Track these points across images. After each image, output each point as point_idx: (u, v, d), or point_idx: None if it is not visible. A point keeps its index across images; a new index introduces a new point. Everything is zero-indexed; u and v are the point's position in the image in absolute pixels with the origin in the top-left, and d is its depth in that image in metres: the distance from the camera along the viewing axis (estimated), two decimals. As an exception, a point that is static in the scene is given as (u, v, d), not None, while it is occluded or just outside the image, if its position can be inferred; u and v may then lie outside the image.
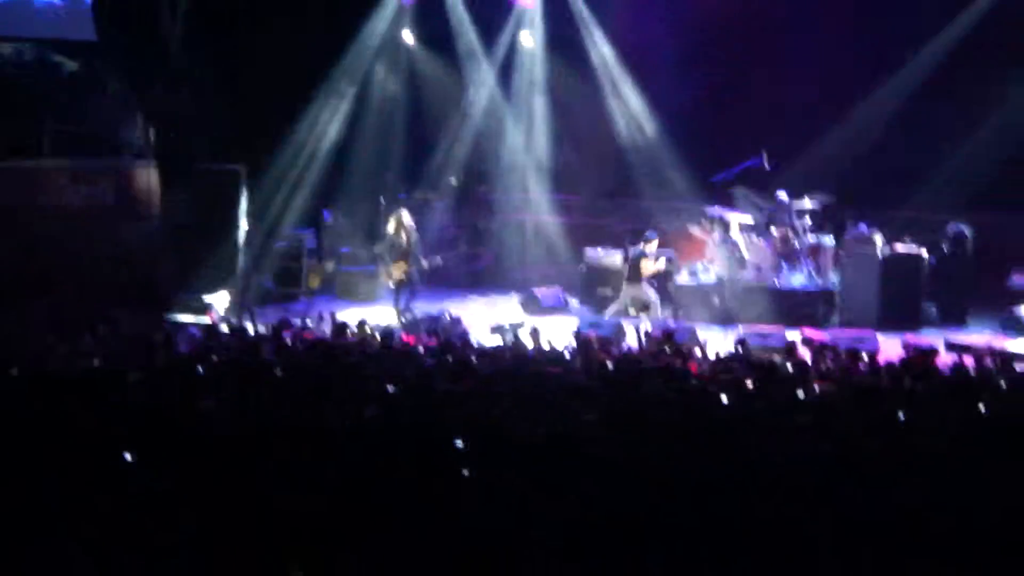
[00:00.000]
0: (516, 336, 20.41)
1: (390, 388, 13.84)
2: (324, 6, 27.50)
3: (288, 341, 17.91)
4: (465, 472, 10.44)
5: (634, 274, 23.57)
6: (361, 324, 19.81)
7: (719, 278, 24.42)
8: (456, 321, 21.54)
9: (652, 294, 23.56)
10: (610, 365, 16.14)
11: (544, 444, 11.14)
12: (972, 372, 16.58)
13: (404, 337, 19.64)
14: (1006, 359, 18.13)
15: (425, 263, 23.86)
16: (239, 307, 23.61)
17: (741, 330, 20.27)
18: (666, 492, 9.84)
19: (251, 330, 19.67)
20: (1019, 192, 26.22)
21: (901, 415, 12.70)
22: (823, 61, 27.48)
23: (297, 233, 26.70)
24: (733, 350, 18.50)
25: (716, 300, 24.16)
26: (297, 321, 20.63)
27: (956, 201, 26.59)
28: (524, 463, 10.62)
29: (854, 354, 17.77)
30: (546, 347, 18.54)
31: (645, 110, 28.74)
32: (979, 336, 21.76)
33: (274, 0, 26.67)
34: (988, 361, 17.65)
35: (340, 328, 19.11)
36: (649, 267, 23.53)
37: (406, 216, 24.16)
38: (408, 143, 29.33)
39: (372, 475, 10.13)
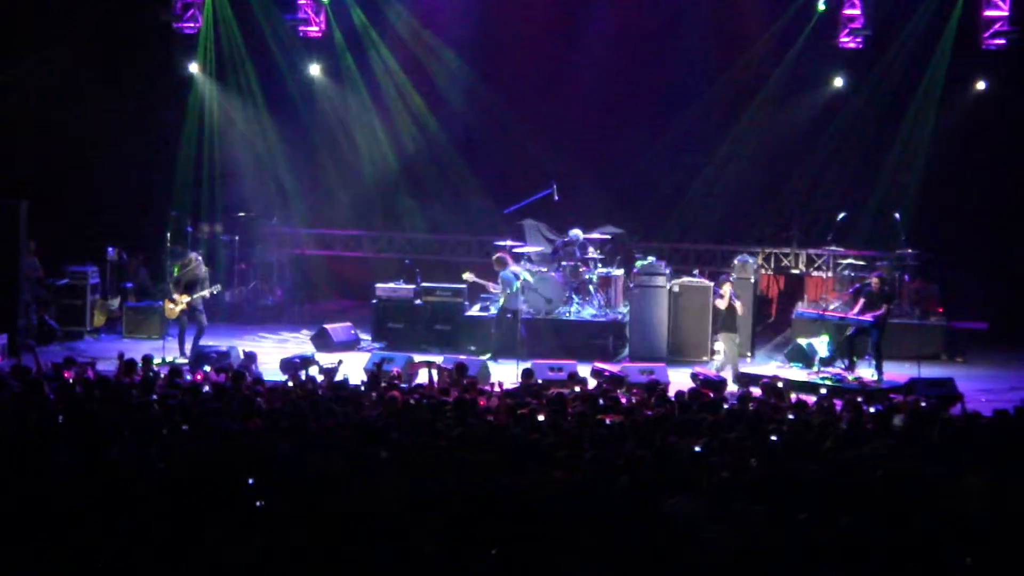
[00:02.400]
0: (307, 372, 20.15)
1: (183, 428, 13.56)
2: (103, 38, 26.97)
3: (70, 380, 17.39)
4: (258, 503, 10.32)
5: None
6: (147, 361, 19.35)
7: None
8: (250, 357, 21.16)
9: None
10: (404, 400, 16.02)
11: (335, 481, 11.02)
12: (760, 403, 16.83)
13: (191, 375, 19.22)
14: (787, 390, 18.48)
15: (208, 292, 23.39)
16: (20, 345, 22.89)
17: (529, 364, 20.25)
18: (459, 521, 9.78)
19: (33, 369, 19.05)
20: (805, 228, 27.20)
21: (694, 447, 12.81)
22: (614, 97, 28.02)
23: (80, 270, 25.99)
24: (521, 383, 18.50)
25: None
26: (81, 360, 20.05)
27: (742, 233, 27.45)
28: (315, 495, 10.50)
29: (649, 387, 17.92)
30: (340, 383, 18.31)
31: (437, 144, 28.80)
32: (766, 367, 22.13)
33: (46, 30, 26.05)
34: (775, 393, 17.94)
35: (128, 366, 18.61)
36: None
37: (191, 254, 23.74)
38: (194, 177, 28.85)
39: (159, 514, 9.93)
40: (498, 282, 24.21)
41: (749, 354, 23.74)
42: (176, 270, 23.64)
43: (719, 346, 22.30)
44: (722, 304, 22.08)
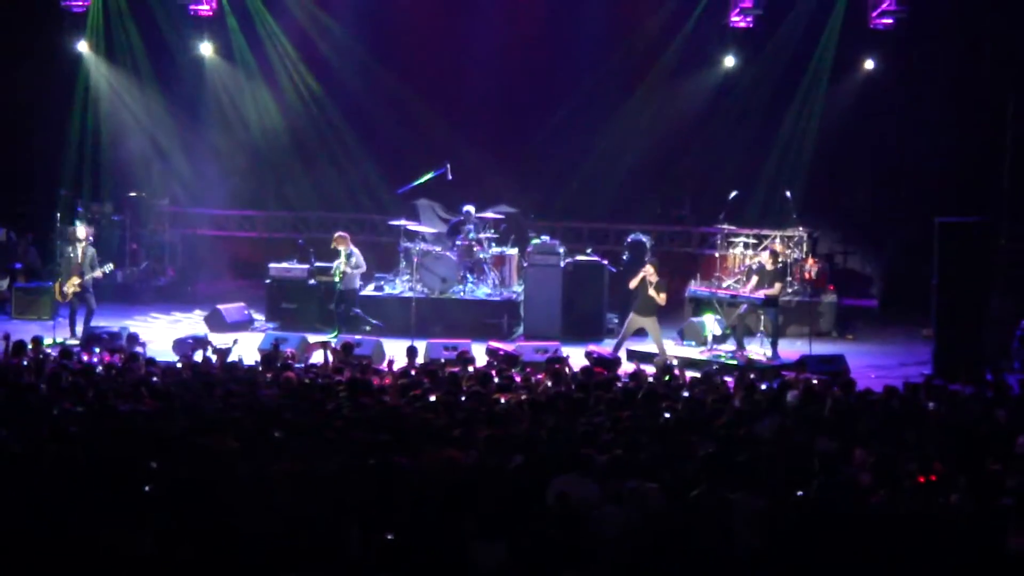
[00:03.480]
0: (201, 353, 20.00)
1: (77, 409, 13.44)
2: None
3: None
4: (147, 489, 10.27)
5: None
6: (36, 342, 19.11)
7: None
8: (133, 339, 20.93)
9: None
10: (299, 380, 15.96)
11: (232, 459, 10.99)
12: (652, 380, 16.95)
13: (82, 355, 18.99)
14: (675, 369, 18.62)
15: (100, 272, 23.11)
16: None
17: (422, 344, 20.21)
18: (352, 503, 9.79)
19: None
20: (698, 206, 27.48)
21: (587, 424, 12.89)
22: (507, 76, 28.05)
23: (-33, 251, 25.64)
24: (408, 362, 18.48)
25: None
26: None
27: (636, 212, 27.64)
28: (205, 475, 10.47)
29: (553, 362, 17.95)
30: (233, 363, 18.19)
31: (330, 123, 28.68)
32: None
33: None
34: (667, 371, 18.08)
35: (17, 347, 18.34)
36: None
37: (81, 229, 23.45)
38: (83, 155, 28.51)
39: (51, 497, 9.85)
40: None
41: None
42: (67, 249, 23.39)
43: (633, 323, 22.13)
44: (634, 283, 21.96)
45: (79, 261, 22.92)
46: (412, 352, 18.91)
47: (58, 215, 26.59)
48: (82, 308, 22.98)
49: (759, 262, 23.21)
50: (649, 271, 21.67)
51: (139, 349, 20.30)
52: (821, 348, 22.76)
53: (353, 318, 23.59)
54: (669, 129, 27.97)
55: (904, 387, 16.65)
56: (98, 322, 22.89)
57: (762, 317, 22.52)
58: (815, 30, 27.40)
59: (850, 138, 27.49)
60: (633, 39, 28.17)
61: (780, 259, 23.11)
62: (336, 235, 23.98)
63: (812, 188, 27.00)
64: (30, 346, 18.55)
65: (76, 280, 22.78)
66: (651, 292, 21.46)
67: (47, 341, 20.46)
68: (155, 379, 15.93)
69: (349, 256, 23.53)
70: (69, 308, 23.10)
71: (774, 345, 21.90)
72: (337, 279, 23.57)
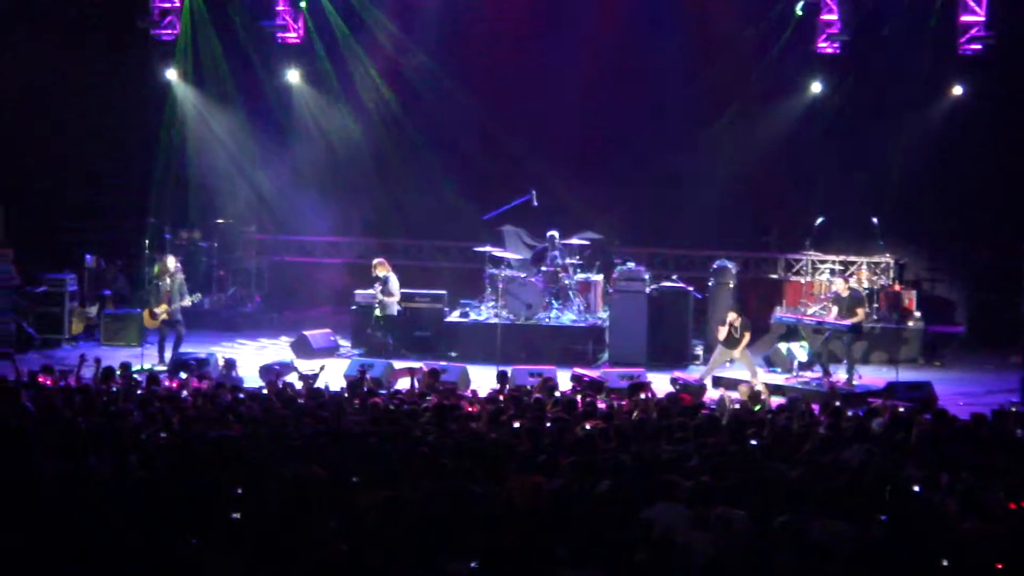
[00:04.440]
0: (285, 379, 20.14)
1: (161, 435, 13.57)
2: (82, 45, 26.92)
3: (48, 387, 17.34)
4: (235, 516, 10.31)
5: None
6: (125, 368, 19.32)
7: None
8: (229, 364, 21.11)
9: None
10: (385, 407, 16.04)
11: (313, 485, 11.04)
12: (738, 407, 16.89)
13: (168, 382, 19.18)
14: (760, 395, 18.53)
15: (189, 301, 23.34)
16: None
17: (509, 370, 20.22)
18: (439, 529, 9.79)
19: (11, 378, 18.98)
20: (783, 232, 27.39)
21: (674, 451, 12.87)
22: (592, 103, 28.06)
23: (57, 277, 25.90)
24: (499, 387, 18.50)
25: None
26: (59, 367, 19.98)
27: (721, 238, 27.54)
28: (292, 503, 10.50)
29: (636, 388, 17.92)
30: (318, 390, 18.29)
31: (416, 150, 28.79)
32: (745, 372, 22.13)
33: (25, 37, 26.04)
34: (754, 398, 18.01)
35: (107, 373, 18.55)
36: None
37: (170, 261, 23.67)
38: (172, 183, 28.83)
39: (139, 523, 9.92)
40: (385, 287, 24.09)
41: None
42: (155, 277, 23.67)
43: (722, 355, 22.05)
44: (722, 336, 21.86)
45: (168, 290, 23.16)
46: (503, 378, 18.93)
47: (147, 242, 26.87)
48: (171, 335, 23.21)
49: (835, 290, 23.07)
50: (733, 318, 21.61)
51: (236, 374, 20.50)
52: (908, 375, 22.55)
53: (394, 345, 23.68)
54: (755, 155, 27.82)
55: (992, 415, 16.48)
56: (186, 348, 23.11)
57: (842, 344, 22.33)
58: (903, 56, 27.18)
59: (938, 164, 27.17)
60: (720, 64, 28.08)
61: (852, 285, 22.96)
62: (375, 261, 24.13)
63: (899, 214, 26.76)
64: (119, 372, 18.78)
65: (165, 308, 23.02)
66: (736, 335, 21.44)
67: (135, 367, 20.66)
68: (242, 406, 16.05)
69: (386, 281, 23.66)
70: (158, 335, 23.34)
71: (850, 371, 21.73)
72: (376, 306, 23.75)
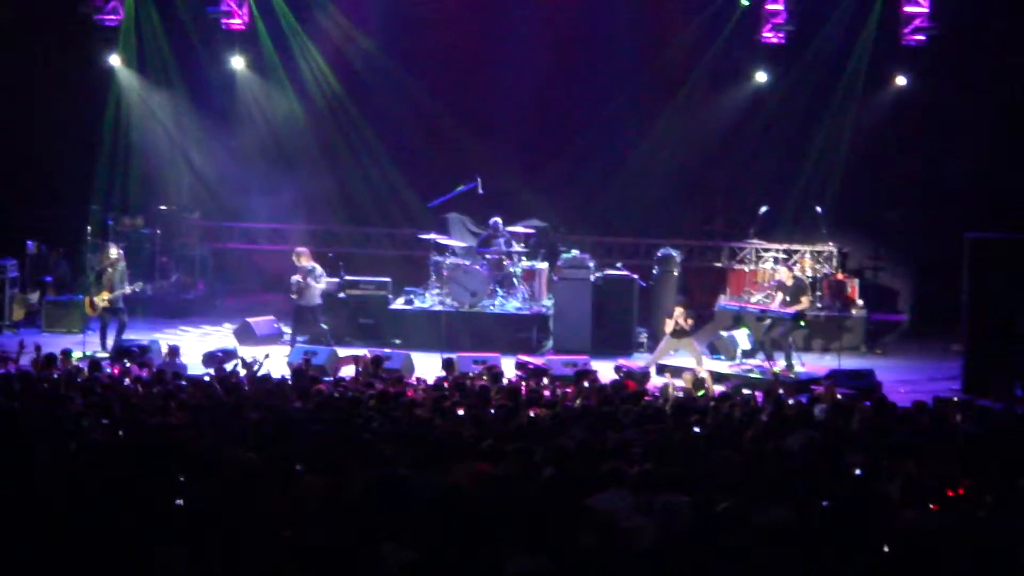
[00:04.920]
0: (230, 366, 20.07)
1: (103, 422, 13.49)
2: (22, 31, 26.69)
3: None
4: (179, 502, 10.28)
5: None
6: (66, 355, 19.21)
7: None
8: (173, 350, 21.00)
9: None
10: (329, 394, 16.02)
11: (255, 472, 11.01)
12: (682, 394, 16.97)
13: (110, 369, 19.06)
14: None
15: (130, 289, 23.19)
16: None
17: (454, 357, 20.22)
18: (381, 517, 9.78)
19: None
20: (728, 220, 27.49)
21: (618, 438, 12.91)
22: (538, 91, 28.03)
23: (-2, 263, 25.72)
24: (444, 375, 18.52)
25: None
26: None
27: (666, 226, 27.60)
28: (234, 490, 10.47)
29: (581, 375, 18.00)
30: (262, 377, 18.23)
31: (360, 137, 28.66)
32: (688, 360, 22.19)
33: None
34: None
35: (48, 360, 18.43)
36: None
37: (112, 250, 23.49)
38: (115, 169, 28.62)
39: (81, 508, 9.87)
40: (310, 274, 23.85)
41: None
42: (97, 264, 23.51)
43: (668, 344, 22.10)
44: (668, 328, 21.88)
45: (110, 278, 23.00)
46: (448, 365, 18.96)
47: (88, 228, 26.68)
48: (114, 322, 23.05)
49: (779, 279, 23.19)
50: (679, 313, 21.65)
51: (179, 361, 20.39)
52: (851, 363, 22.71)
53: (321, 332, 23.59)
54: (700, 144, 27.91)
55: (933, 402, 16.62)
56: (128, 335, 22.98)
57: (791, 333, 22.41)
58: (847, 46, 27.33)
59: (881, 154, 27.35)
60: (665, 54, 28.12)
61: (796, 273, 23.10)
62: (299, 250, 23.92)
63: (843, 203, 26.90)
64: (60, 358, 18.67)
65: (106, 295, 22.86)
66: (683, 323, 21.48)
67: (77, 354, 20.52)
68: (184, 393, 15.98)
69: (311, 271, 23.46)
70: (100, 322, 23.19)
71: (788, 359, 21.85)
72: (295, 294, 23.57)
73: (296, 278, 23.42)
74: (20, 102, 26.94)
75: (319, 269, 23.56)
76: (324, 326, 23.67)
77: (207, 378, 17.91)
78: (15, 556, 9.12)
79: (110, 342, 22.78)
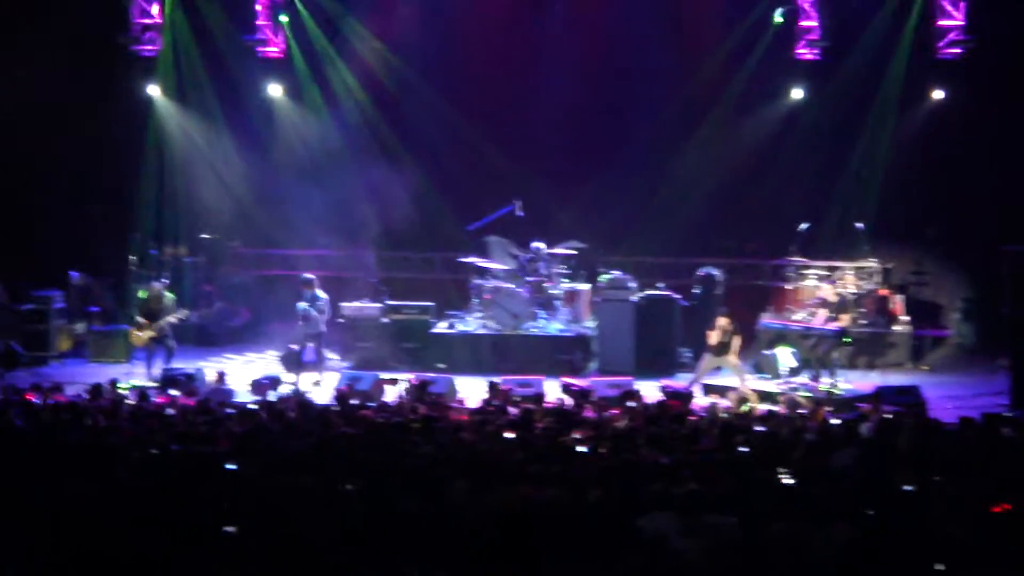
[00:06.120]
0: (277, 394, 20.19)
1: (151, 451, 13.54)
2: (61, 63, 26.84)
3: (37, 405, 17.35)
4: (228, 529, 10.31)
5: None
6: (113, 385, 19.34)
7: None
8: (221, 376, 21.10)
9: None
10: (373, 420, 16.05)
11: (301, 501, 11.03)
12: (727, 414, 16.93)
13: (158, 398, 19.19)
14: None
15: (176, 319, 23.34)
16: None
17: (499, 381, 20.25)
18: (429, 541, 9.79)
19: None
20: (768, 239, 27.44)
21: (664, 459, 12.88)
22: (574, 112, 28.09)
23: (44, 294, 25.88)
24: (488, 399, 18.54)
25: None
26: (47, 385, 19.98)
27: (706, 245, 27.57)
28: (280, 519, 10.50)
29: (625, 396, 17.98)
30: (308, 403, 18.29)
31: (399, 162, 28.68)
32: (733, 379, 22.14)
33: (5, 55, 26.00)
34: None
35: (95, 390, 18.57)
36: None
37: (155, 287, 23.66)
38: (157, 198, 28.82)
39: (128, 539, 9.91)
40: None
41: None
42: (141, 299, 23.67)
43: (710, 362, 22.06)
44: (713, 340, 21.88)
45: (155, 311, 23.16)
46: (493, 388, 18.99)
47: (132, 258, 26.87)
48: (160, 350, 23.18)
49: (822, 295, 23.14)
50: (725, 323, 21.62)
51: (226, 386, 20.52)
52: (896, 379, 22.62)
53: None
54: (738, 162, 27.93)
55: (982, 417, 16.51)
56: (174, 364, 23.10)
57: (835, 350, 22.36)
58: (882, 61, 27.32)
59: (920, 168, 27.27)
60: (699, 73, 28.17)
61: (839, 290, 23.05)
62: (308, 277, 23.98)
63: (884, 218, 26.83)
64: (107, 388, 18.80)
65: (152, 329, 23.00)
66: (726, 339, 21.45)
67: (124, 384, 20.65)
68: (230, 421, 16.05)
69: (315, 299, 23.48)
70: (146, 351, 23.32)
71: (833, 376, 21.79)
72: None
73: (302, 305, 23.48)
74: (60, 133, 27.09)
75: (324, 298, 23.57)
76: (327, 353, 23.85)
77: (252, 405, 17.99)
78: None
79: (156, 371, 22.90)
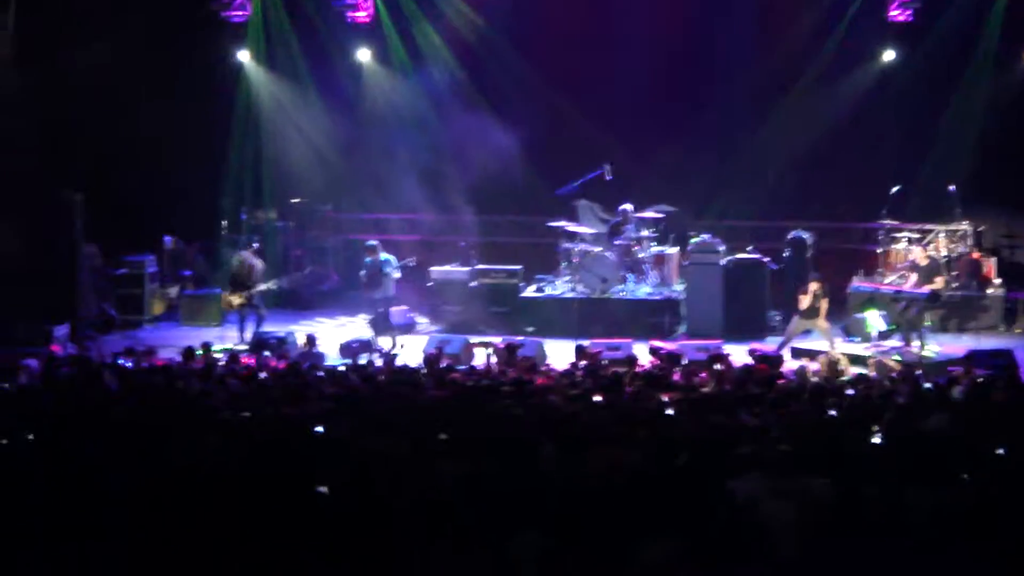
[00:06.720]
0: (367, 357, 20.34)
1: (243, 414, 13.68)
2: (153, 30, 27.05)
3: (130, 368, 17.61)
4: (321, 488, 10.39)
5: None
6: (206, 348, 19.56)
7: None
8: (311, 340, 21.28)
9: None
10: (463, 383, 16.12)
11: (399, 463, 11.09)
12: (818, 377, 16.86)
13: (245, 360, 19.38)
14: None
15: (266, 287, 23.60)
16: (80, 336, 23.17)
17: (587, 343, 20.27)
18: (514, 503, 9.82)
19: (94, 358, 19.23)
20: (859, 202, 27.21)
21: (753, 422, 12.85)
22: (661, 76, 27.98)
23: (137, 259, 26.19)
24: (576, 362, 18.57)
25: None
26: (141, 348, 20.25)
27: (796, 209, 27.37)
28: (378, 481, 10.56)
29: (715, 360, 17.92)
30: (398, 366, 18.41)
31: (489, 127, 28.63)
32: (823, 342, 22.02)
33: (97, 23, 26.22)
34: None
35: (188, 353, 18.80)
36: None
37: (247, 255, 23.90)
38: (246, 163, 29.04)
39: (220, 501, 10.01)
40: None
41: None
42: (231, 268, 23.92)
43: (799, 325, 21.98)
44: (804, 304, 21.81)
45: (245, 278, 23.42)
46: (581, 351, 19.01)
47: (223, 223, 27.13)
48: (251, 315, 23.45)
49: (913, 259, 22.95)
50: (816, 287, 21.52)
51: (317, 350, 20.69)
52: (989, 343, 22.38)
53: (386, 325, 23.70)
54: (828, 124, 27.66)
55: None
56: (266, 328, 23.32)
57: (926, 313, 22.20)
58: (976, 21, 26.96)
59: (1014, 130, 26.88)
60: (789, 35, 27.92)
61: (931, 253, 22.85)
62: (373, 243, 24.08)
63: (976, 181, 26.47)
64: (199, 351, 19.01)
65: (242, 295, 23.24)
66: (816, 304, 21.37)
67: (216, 347, 20.87)
68: (322, 384, 16.19)
69: (385, 263, 23.50)
70: (239, 315, 23.57)
71: (921, 339, 21.64)
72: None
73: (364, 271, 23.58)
74: (151, 100, 27.30)
75: (394, 261, 23.63)
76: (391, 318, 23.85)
77: (342, 367, 18.14)
78: (157, 547, 9.31)
79: (248, 335, 23.14)
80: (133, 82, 26.94)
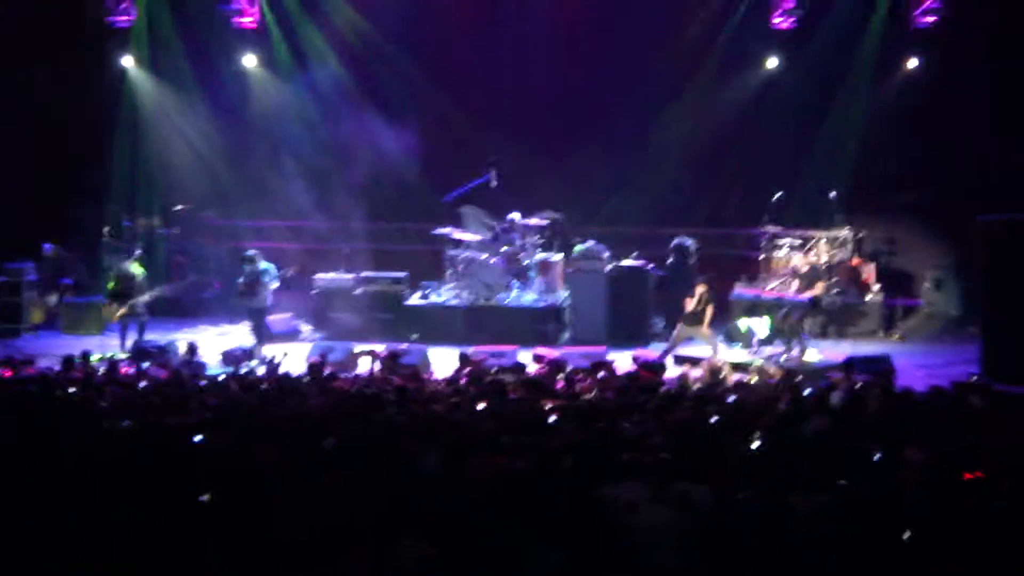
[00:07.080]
0: (248, 365, 20.18)
1: (123, 423, 13.52)
2: (35, 34, 26.70)
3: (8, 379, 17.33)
4: (204, 498, 10.29)
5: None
6: (85, 357, 19.30)
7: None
8: (192, 348, 21.05)
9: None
10: (347, 391, 16.05)
11: (280, 472, 11.02)
12: (700, 384, 16.98)
13: (129, 370, 19.15)
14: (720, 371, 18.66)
15: (149, 296, 23.35)
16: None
17: (471, 351, 20.28)
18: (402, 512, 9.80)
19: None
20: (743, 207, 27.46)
21: (635, 429, 12.91)
22: (549, 80, 28.07)
23: (16, 266, 25.81)
24: (459, 369, 18.56)
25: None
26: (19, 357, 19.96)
27: (684, 215, 27.56)
28: (253, 491, 10.49)
29: (599, 367, 17.99)
30: (281, 375, 18.29)
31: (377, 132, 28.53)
32: (704, 349, 22.19)
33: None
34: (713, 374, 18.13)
35: (67, 362, 18.55)
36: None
37: (131, 265, 23.63)
38: (131, 171, 28.73)
39: (101, 509, 9.90)
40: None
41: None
42: (112, 280, 23.62)
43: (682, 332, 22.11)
44: (689, 307, 21.91)
45: (128, 290, 23.17)
46: (464, 359, 19.00)
47: (105, 230, 26.79)
48: (133, 323, 23.20)
49: (794, 265, 23.22)
50: (703, 291, 21.68)
51: (198, 359, 20.49)
52: (867, 348, 22.69)
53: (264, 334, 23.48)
54: (712, 131, 27.94)
55: (952, 386, 16.59)
56: (147, 336, 23.08)
57: (807, 319, 22.46)
58: (858, 30, 27.36)
59: (894, 137, 27.28)
60: (676, 41, 28.13)
61: (812, 260, 23.12)
62: (252, 253, 23.71)
63: (857, 188, 26.86)
64: (79, 360, 18.76)
65: (123, 310, 23.03)
66: (701, 308, 21.52)
67: (96, 356, 20.62)
68: (203, 393, 16.04)
69: (264, 272, 23.31)
70: (120, 323, 23.30)
71: (801, 346, 21.89)
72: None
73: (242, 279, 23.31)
74: (33, 105, 26.99)
75: (273, 270, 23.34)
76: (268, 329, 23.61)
77: (223, 377, 17.98)
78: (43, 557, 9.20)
79: (129, 343, 22.89)
80: (14, 86, 26.58)
